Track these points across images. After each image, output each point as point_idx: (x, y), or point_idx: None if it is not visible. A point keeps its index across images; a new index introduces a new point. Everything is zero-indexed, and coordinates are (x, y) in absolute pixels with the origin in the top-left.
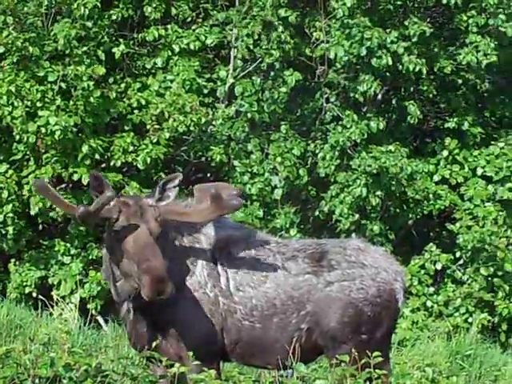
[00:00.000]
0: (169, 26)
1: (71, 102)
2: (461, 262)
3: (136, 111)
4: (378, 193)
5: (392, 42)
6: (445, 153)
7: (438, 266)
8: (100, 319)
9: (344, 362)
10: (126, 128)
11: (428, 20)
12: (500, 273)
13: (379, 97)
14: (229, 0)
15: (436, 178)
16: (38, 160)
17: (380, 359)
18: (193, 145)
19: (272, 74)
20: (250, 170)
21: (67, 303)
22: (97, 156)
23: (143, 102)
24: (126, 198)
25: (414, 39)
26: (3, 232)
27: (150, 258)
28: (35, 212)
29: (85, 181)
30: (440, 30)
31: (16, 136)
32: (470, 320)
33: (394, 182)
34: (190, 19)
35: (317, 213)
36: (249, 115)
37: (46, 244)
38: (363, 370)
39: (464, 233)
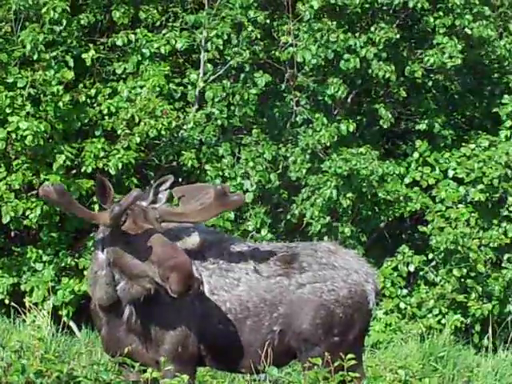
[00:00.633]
0: (138, 31)
1: (41, 108)
2: (433, 263)
3: (107, 117)
4: (349, 195)
5: (361, 47)
6: (415, 155)
7: (411, 268)
8: (73, 325)
9: (317, 365)
10: (97, 134)
11: (396, 23)
12: (473, 274)
13: (349, 99)
14: (198, 3)
15: (407, 180)
16: (8, 166)
17: (353, 362)
18: (164, 149)
19: (242, 76)
20: (221, 174)
21: (40, 310)
22: (68, 162)
23: (113, 110)
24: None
25: (380, 46)
26: None
27: (175, 255)
28: (7, 221)
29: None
30: (409, 33)
31: None
32: (443, 321)
33: (364, 184)
34: (159, 23)
35: (288, 216)
36: (218, 121)
37: (18, 251)
38: (336, 373)
39: (436, 234)
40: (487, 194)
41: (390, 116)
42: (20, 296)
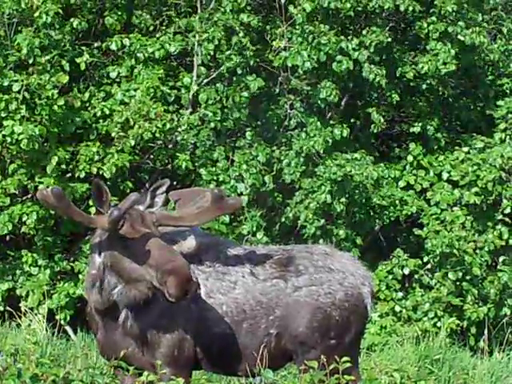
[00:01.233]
0: (132, 35)
1: (36, 112)
2: (429, 266)
3: (101, 121)
4: (343, 200)
5: (354, 50)
6: (410, 158)
7: (406, 271)
8: (69, 329)
9: (312, 368)
10: (92, 137)
11: (389, 26)
12: (468, 277)
13: (343, 103)
14: (191, 7)
15: (401, 183)
16: (3, 171)
17: (349, 364)
18: (158, 152)
19: (235, 79)
20: (215, 177)
21: (35, 314)
22: (63, 166)
23: (107, 112)
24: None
25: (371, 49)
26: None
27: (173, 259)
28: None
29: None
30: (401, 36)
31: None
32: (438, 324)
33: (358, 190)
34: (153, 27)
35: (283, 219)
36: (212, 124)
37: (13, 255)
38: (332, 376)
39: (432, 237)
40: (482, 197)
41: (382, 120)
42: (15, 300)
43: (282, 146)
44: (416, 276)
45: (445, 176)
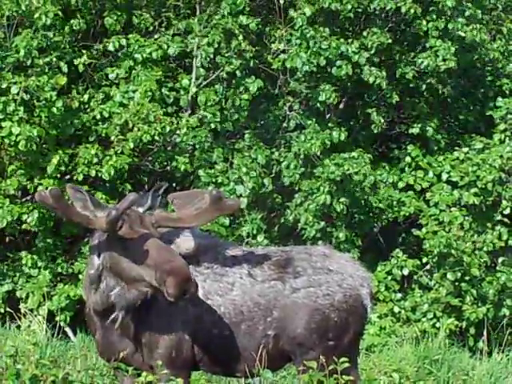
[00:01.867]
0: (130, 36)
1: (34, 114)
2: (427, 267)
3: (100, 123)
4: (342, 200)
5: (354, 53)
6: (408, 159)
7: (405, 272)
8: (68, 331)
9: (311, 369)
10: (91, 139)
11: (389, 26)
12: (467, 277)
13: (342, 104)
14: (190, 8)
15: (401, 184)
16: (2, 172)
17: (347, 365)
18: (157, 154)
19: (234, 81)
20: (214, 180)
21: (35, 315)
22: (62, 168)
23: (106, 115)
24: None
25: (372, 51)
26: None
27: (172, 259)
28: (3, 225)
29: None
30: (401, 36)
31: None
32: (437, 325)
33: (358, 189)
34: (151, 28)
35: (282, 221)
36: (212, 125)
37: (13, 257)
38: (331, 376)
39: (430, 238)
40: (481, 198)
41: (382, 121)
42: (15, 302)
43: (281, 148)
44: (415, 277)
45: (444, 177)
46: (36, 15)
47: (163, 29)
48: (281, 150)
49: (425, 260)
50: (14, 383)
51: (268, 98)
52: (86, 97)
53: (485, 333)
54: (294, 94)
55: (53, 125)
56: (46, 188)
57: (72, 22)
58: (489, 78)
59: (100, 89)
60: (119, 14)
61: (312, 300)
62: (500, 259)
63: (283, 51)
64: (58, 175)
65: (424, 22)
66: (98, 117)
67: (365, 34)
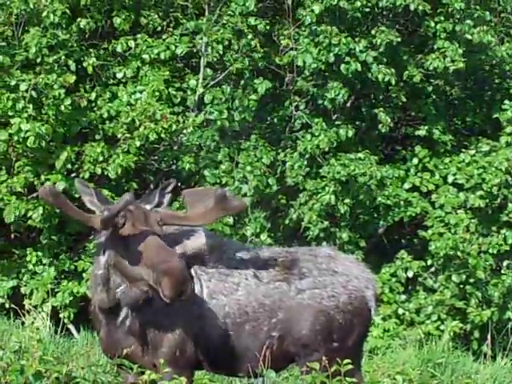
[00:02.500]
0: (138, 36)
1: (43, 111)
2: (432, 269)
3: (107, 122)
4: (347, 200)
5: (361, 52)
6: (415, 160)
7: (410, 274)
8: (72, 327)
9: (314, 370)
10: (97, 137)
11: (397, 27)
12: (472, 280)
13: (349, 104)
14: (199, 8)
15: (406, 185)
16: (9, 169)
17: (350, 367)
18: (163, 153)
19: (242, 82)
20: (219, 179)
21: (39, 312)
22: (68, 166)
23: (113, 113)
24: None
25: (381, 49)
26: None
27: (168, 259)
28: (11, 220)
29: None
30: (409, 37)
31: None
32: (441, 327)
33: (362, 190)
34: (160, 28)
35: (287, 221)
36: (218, 123)
37: (18, 253)
38: (334, 378)
39: (436, 240)
40: (487, 200)
41: (389, 120)
42: (19, 298)
43: (286, 148)
44: (419, 279)
45: (450, 179)
46: (44, 13)
47: (171, 29)
48: (286, 151)
49: (430, 262)
50: (17, 379)
51: (274, 97)
52: (93, 95)
53: (489, 336)
54: (300, 93)
55: (60, 122)
56: (48, 186)
57: (79, 20)
58: (496, 81)
59: (107, 87)
60: (127, 13)
61: (317, 301)
62: (505, 262)
63: (291, 49)
64: (65, 172)
65: (432, 24)
66: (105, 115)
67: (373, 32)
